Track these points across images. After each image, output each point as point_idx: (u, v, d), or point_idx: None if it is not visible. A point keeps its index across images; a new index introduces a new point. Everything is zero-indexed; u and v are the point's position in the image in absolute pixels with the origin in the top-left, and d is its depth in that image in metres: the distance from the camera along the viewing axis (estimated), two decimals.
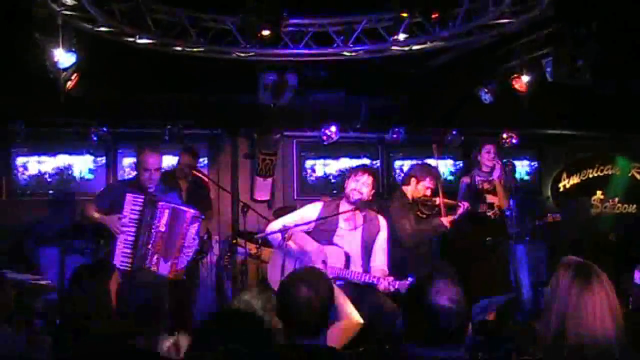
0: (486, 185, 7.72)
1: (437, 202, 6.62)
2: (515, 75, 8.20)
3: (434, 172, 6.83)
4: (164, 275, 5.95)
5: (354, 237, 5.82)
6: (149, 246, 5.93)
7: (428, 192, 6.70)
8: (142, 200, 5.94)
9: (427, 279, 2.71)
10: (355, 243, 5.80)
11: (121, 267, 5.71)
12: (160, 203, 6.01)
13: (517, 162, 9.65)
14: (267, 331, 2.45)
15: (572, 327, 2.75)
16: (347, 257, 5.72)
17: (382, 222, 5.95)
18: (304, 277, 3.08)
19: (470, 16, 6.73)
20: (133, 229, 5.89)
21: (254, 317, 2.52)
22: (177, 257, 6.04)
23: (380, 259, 5.83)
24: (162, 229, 5.98)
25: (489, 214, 7.49)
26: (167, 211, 6.00)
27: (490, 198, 7.65)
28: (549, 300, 2.89)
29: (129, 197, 5.91)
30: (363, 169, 5.95)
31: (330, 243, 5.78)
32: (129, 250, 5.84)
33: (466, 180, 7.88)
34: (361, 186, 5.79)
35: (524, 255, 8.66)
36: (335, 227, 5.84)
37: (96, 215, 6.00)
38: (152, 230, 5.94)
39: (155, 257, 5.92)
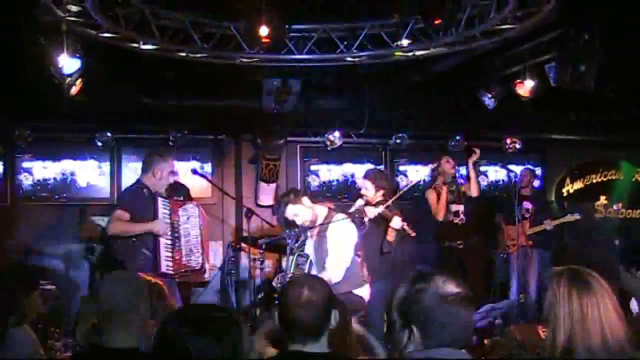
0: (450, 196, 8.34)
1: None
2: (519, 80, 8.22)
3: None
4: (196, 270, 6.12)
5: (311, 243, 5.83)
6: (192, 246, 6.05)
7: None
8: (169, 204, 6.03)
9: (424, 279, 2.66)
10: (312, 249, 5.82)
11: (167, 272, 5.78)
12: (189, 203, 6.17)
13: (520, 167, 9.70)
14: (237, 326, 2.43)
15: (581, 336, 2.67)
16: (310, 263, 5.77)
17: (335, 224, 5.70)
18: (305, 281, 3.14)
19: (473, 22, 6.73)
20: (170, 232, 5.95)
21: (222, 311, 2.50)
22: (205, 249, 6.22)
23: (327, 260, 5.63)
24: (199, 227, 6.14)
25: (455, 220, 8.10)
26: (197, 210, 6.18)
27: (454, 207, 8.25)
28: (550, 315, 2.80)
29: (160, 201, 5.98)
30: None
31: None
32: (170, 254, 5.89)
33: (432, 192, 8.31)
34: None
35: (536, 259, 8.76)
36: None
37: (137, 227, 5.92)
38: (190, 231, 6.04)
39: (197, 254, 6.04)
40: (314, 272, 5.68)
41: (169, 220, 5.96)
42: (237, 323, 2.41)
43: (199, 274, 6.16)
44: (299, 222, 5.68)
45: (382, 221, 6.61)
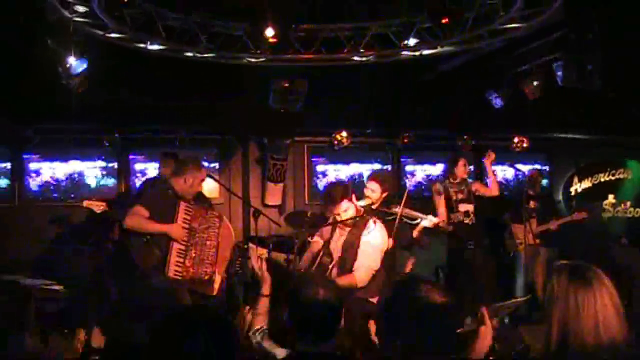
0: (460, 195, 8.03)
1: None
2: (526, 80, 8.19)
3: None
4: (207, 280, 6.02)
5: (339, 241, 5.75)
6: (204, 256, 5.96)
7: None
8: (192, 211, 5.97)
9: (409, 288, 2.63)
10: (338, 247, 5.73)
11: (175, 277, 5.74)
12: (212, 213, 6.09)
13: (528, 167, 9.68)
14: (231, 329, 2.40)
15: (575, 332, 2.64)
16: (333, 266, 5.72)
17: (371, 225, 5.64)
18: (320, 281, 3.10)
19: (480, 21, 6.72)
20: (186, 238, 5.91)
21: (216, 314, 2.47)
22: (220, 263, 6.14)
23: (356, 263, 5.52)
24: (219, 238, 6.05)
25: (465, 221, 7.88)
26: (218, 222, 6.06)
27: (465, 207, 7.96)
28: (548, 309, 2.76)
29: (183, 205, 5.91)
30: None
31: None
32: (182, 260, 5.84)
33: (439, 188, 8.07)
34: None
35: (543, 258, 8.76)
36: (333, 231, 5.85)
37: (154, 226, 5.76)
38: (206, 240, 5.98)
39: (208, 265, 5.97)
40: (334, 272, 5.63)
41: (187, 226, 5.91)
42: (227, 324, 2.39)
43: (206, 286, 6.08)
44: (343, 217, 5.63)
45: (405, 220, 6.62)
